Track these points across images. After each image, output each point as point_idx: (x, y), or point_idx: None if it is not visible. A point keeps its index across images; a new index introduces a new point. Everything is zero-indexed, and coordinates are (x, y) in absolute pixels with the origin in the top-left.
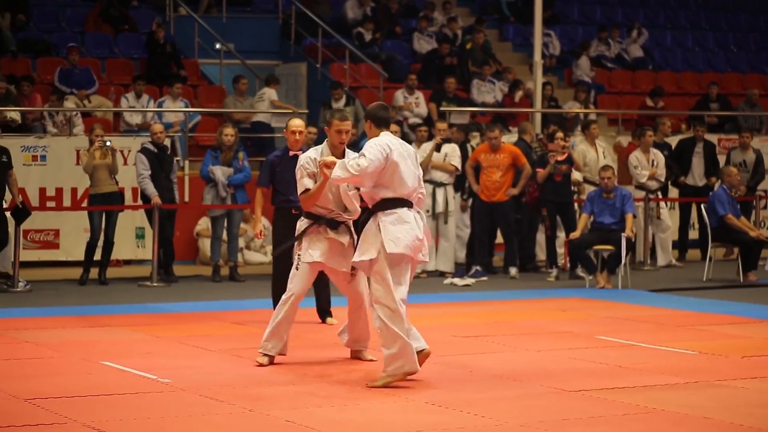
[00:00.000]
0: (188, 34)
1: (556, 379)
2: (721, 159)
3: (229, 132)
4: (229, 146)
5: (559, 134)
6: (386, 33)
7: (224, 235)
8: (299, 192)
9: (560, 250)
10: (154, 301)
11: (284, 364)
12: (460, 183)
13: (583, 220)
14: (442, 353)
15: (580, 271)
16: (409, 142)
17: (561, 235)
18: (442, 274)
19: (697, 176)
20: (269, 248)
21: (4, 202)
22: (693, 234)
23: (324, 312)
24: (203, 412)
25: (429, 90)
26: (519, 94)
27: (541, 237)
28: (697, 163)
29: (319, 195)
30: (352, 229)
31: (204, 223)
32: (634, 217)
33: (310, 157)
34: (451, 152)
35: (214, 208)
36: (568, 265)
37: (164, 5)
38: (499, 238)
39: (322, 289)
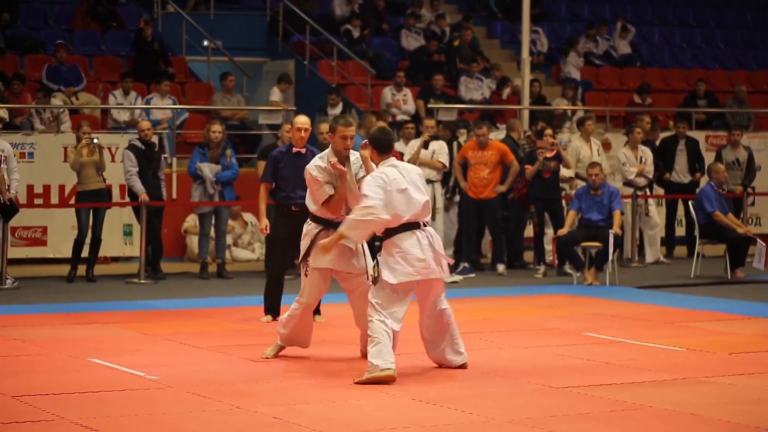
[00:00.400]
0: (176, 31)
1: (544, 376)
2: (711, 156)
3: (216, 129)
4: (217, 143)
5: (548, 131)
6: (374, 30)
7: (212, 232)
8: (320, 201)
9: (548, 246)
10: (141, 298)
11: (272, 361)
12: (444, 181)
13: (570, 217)
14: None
15: (567, 268)
16: (397, 139)
17: (549, 231)
18: None
19: (681, 173)
20: (257, 245)
21: None
22: (680, 231)
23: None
24: (191, 408)
25: (417, 87)
26: (507, 92)
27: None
28: (681, 160)
29: (344, 196)
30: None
31: (192, 220)
32: (622, 213)
33: (320, 167)
34: (439, 149)
35: (202, 205)
36: (556, 261)
37: (152, 2)
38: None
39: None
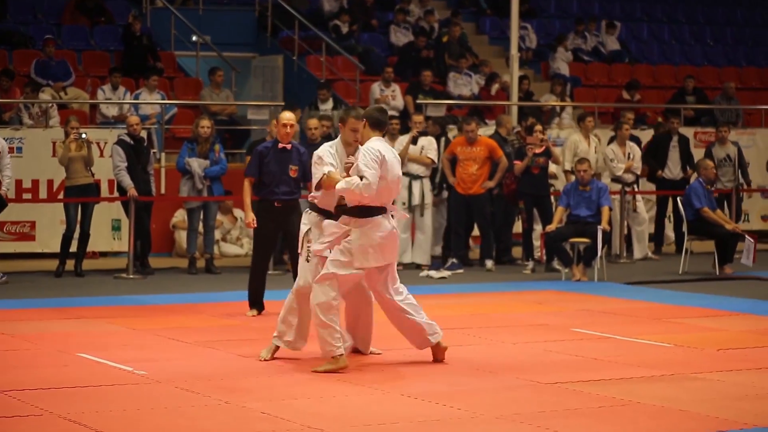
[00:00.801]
0: (164, 26)
1: (532, 372)
2: (699, 152)
3: (205, 124)
4: (206, 138)
5: (538, 127)
6: (363, 25)
7: (200, 227)
8: (317, 179)
9: (536, 242)
10: (130, 293)
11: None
12: (432, 177)
13: (559, 213)
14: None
15: (556, 264)
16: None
17: (537, 227)
18: (419, 267)
19: (674, 170)
20: (246, 240)
21: None
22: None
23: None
24: (179, 404)
25: (405, 83)
26: (495, 87)
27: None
28: (674, 157)
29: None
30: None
31: (180, 215)
32: (611, 209)
33: (330, 151)
34: (428, 145)
35: (191, 200)
36: (544, 257)
37: None
38: (475, 231)
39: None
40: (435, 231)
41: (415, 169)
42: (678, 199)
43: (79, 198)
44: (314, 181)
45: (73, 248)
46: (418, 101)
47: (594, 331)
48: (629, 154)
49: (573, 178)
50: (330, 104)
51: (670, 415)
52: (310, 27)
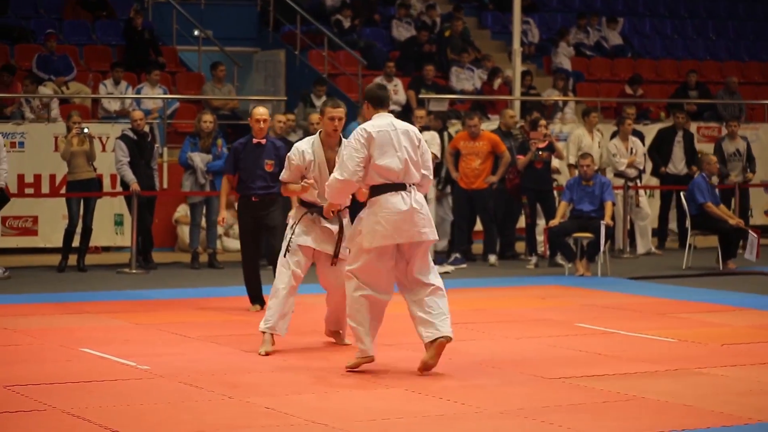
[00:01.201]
0: (166, 20)
1: (536, 367)
2: (703, 147)
3: (207, 119)
4: (208, 133)
5: (543, 122)
6: (365, 20)
7: (203, 222)
8: (280, 177)
9: (540, 237)
10: (132, 288)
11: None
12: (436, 172)
13: (562, 208)
14: (421, 340)
15: (559, 259)
16: None
17: (541, 222)
18: None
19: (678, 165)
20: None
21: None
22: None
23: (256, 299)
24: (182, 399)
25: (408, 77)
26: (498, 82)
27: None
28: (678, 152)
29: (292, 196)
30: (343, 216)
31: (183, 210)
32: (614, 204)
33: (299, 149)
34: (431, 140)
35: (193, 195)
36: (548, 252)
37: None
38: (478, 226)
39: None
40: (438, 225)
41: None
42: (681, 194)
43: (82, 193)
44: (282, 175)
45: (76, 243)
46: (420, 96)
47: (597, 326)
48: (632, 149)
49: (577, 172)
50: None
51: (674, 410)
52: (312, 21)
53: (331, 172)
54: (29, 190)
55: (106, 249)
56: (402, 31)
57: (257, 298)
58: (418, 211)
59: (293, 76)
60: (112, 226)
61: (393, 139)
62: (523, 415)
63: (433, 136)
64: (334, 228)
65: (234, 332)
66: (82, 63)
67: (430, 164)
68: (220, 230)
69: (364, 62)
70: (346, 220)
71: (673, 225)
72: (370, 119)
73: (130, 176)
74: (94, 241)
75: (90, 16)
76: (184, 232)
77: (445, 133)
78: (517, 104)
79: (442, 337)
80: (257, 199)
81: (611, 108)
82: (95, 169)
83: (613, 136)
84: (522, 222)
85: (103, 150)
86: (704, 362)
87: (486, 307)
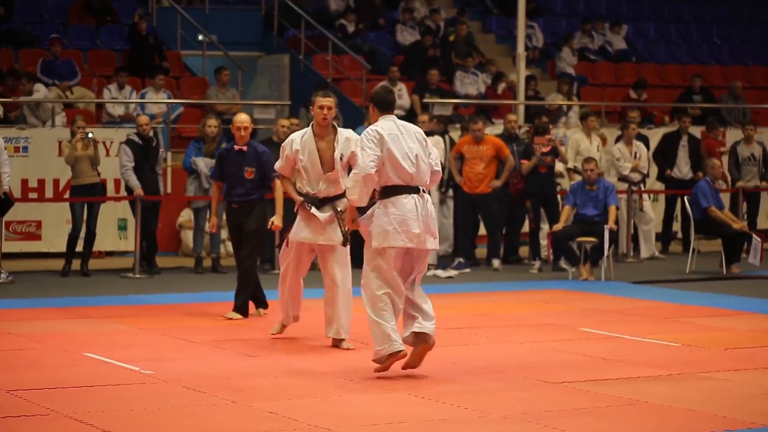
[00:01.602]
0: (171, 25)
1: (540, 371)
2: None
3: (212, 123)
4: (213, 137)
5: (550, 127)
6: (369, 25)
7: (207, 227)
8: (275, 166)
9: (543, 242)
10: (136, 292)
11: (267, 356)
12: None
13: (565, 212)
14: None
15: (563, 263)
16: None
17: (545, 227)
18: None
19: (683, 169)
20: None
21: None
22: (675, 226)
23: (259, 302)
24: (186, 403)
25: (412, 82)
26: (502, 86)
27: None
28: (683, 156)
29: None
30: (338, 204)
31: (186, 215)
32: (617, 209)
33: (290, 139)
34: (435, 145)
35: (197, 200)
36: (551, 257)
37: None
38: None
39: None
40: (438, 228)
41: None
42: (685, 198)
43: (85, 197)
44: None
45: (79, 248)
46: (424, 100)
47: (601, 330)
48: (636, 153)
49: (576, 176)
50: None
51: (677, 414)
52: (317, 26)
53: (322, 162)
54: (33, 195)
55: (110, 254)
56: (406, 36)
57: (259, 302)
58: (428, 218)
59: (297, 80)
60: (115, 230)
61: (402, 141)
62: (527, 419)
63: (437, 140)
64: (324, 215)
65: (237, 337)
66: (87, 68)
67: (438, 160)
68: (223, 234)
69: (368, 67)
70: (342, 205)
71: (678, 229)
72: (375, 122)
73: (134, 181)
74: (98, 245)
75: (94, 21)
76: (188, 236)
77: (446, 137)
78: (521, 108)
79: (425, 332)
80: (236, 206)
81: (616, 112)
82: (99, 174)
83: (617, 140)
84: (526, 227)
85: (107, 155)
86: (707, 366)
87: (489, 312)
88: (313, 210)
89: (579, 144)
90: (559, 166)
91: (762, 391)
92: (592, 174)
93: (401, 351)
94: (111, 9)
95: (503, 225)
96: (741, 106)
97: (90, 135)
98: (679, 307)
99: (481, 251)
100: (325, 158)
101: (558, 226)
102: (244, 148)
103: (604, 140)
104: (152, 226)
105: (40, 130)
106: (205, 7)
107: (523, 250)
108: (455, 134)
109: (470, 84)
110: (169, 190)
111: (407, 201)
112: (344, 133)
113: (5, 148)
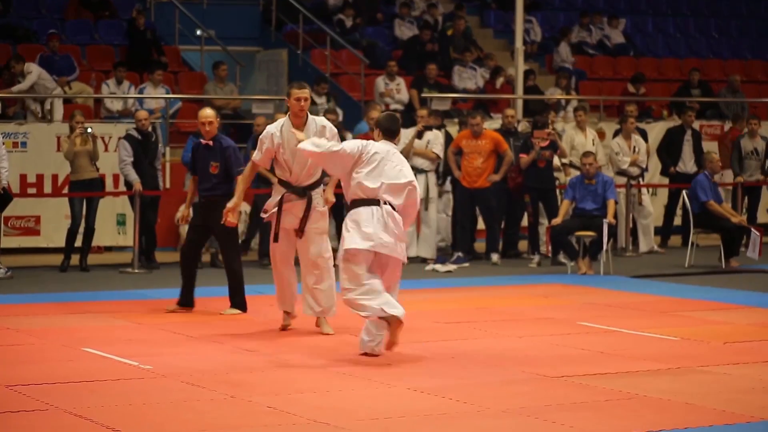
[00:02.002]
0: (169, 20)
1: (538, 365)
2: (708, 146)
3: None
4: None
5: (552, 119)
6: (367, 19)
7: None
8: (252, 157)
9: (542, 236)
10: (135, 287)
11: (266, 350)
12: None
13: (564, 206)
14: (424, 339)
15: (562, 258)
16: None
17: (544, 221)
18: (424, 261)
19: (688, 164)
20: None
21: None
22: (675, 220)
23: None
24: (185, 398)
25: (410, 76)
26: (500, 81)
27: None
28: (688, 151)
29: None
30: (313, 194)
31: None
32: (616, 203)
33: (269, 132)
34: (434, 139)
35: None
36: (550, 251)
37: None
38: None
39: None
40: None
41: (420, 163)
42: (684, 192)
43: (84, 192)
44: (254, 155)
45: (78, 243)
46: (422, 95)
47: (600, 324)
48: (635, 147)
49: (572, 171)
50: (324, 98)
51: (676, 408)
52: (315, 21)
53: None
54: (32, 190)
55: (109, 249)
56: (404, 30)
57: (187, 301)
58: (390, 228)
59: (296, 75)
60: (114, 225)
61: (385, 164)
62: (526, 413)
63: (436, 135)
64: (300, 203)
65: (236, 332)
66: (85, 63)
67: (417, 199)
68: None
69: (366, 61)
70: (317, 198)
71: (680, 223)
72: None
73: (133, 176)
74: (97, 240)
75: (92, 16)
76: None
77: (443, 131)
78: (520, 103)
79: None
80: (203, 200)
81: (614, 107)
82: (98, 169)
83: (616, 134)
84: (525, 221)
85: (106, 150)
86: (706, 360)
87: (488, 306)
88: (297, 200)
89: (573, 139)
90: (557, 160)
91: (761, 384)
92: (591, 168)
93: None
94: (109, 4)
95: (502, 219)
96: (739, 100)
97: (89, 130)
98: (678, 301)
99: (479, 245)
100: None
101: (557, 221)
102: (211, 142)
103: (601, 134)
104: (151, 221)
105: (38, 125)
106: (202, 2)
107: (522, 245)
108: (453, 129)
109: (468, 78)
110: (167, 185)
111: (370, 211)
112: (318, 121)
113: (3, 144)
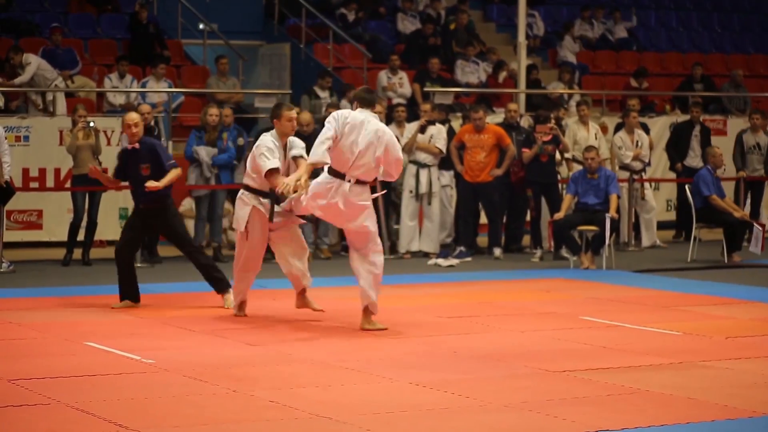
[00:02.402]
0: (171, 14)
1: (541, 360)
2: (720, 141)
3: (213, 112)
4: (214, 126)
5: (554, 115)
6: (370, 13)
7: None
8: (269, 168)
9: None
10: (138, 281)
11: (268, 345)
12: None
13: (567, 201)
14: (426, 334)
15: (564, 252)
16: (389, 122)
17: (546, 215)
18: (427, 255)
19: (696, 158)
20: None
21: None
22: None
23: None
24: (187, 392)
25: (413, 71)
26: (503, 75)
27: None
28: (696, 146)
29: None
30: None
31: (188, 204)
32: (619, 197)
33: (275, 143)
34: (437, 134)
35: (198, 189)
36: (552, 245)
37: None
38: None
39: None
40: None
41: (423, 157)
42: (687, 187)
43: (87, 187)
44: (262, 167)
45: (81, 237)
46: (425, 89)
47: (602, 319)
48: (637, 141)
49: (574, 165)
50: (327, 92)
51: (678, 403)
52: (317, 15)
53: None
54: (34, 184)
55: (111, 243)
56: (407, 24)
57: (131, 296)
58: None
59: (298, 69)
60: (117, 219)
61: (363, 134)
62: (528, 408)
63: (440, 129)
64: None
65: (238, 326)
66: (87, 57)
67: (399, 153)
68: (225, 224)
69: (369, 55)
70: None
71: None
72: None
73: None
74: (99, 234)
75: (95, 9)
76: (189, 225)
77: (447, 125)
78: (522, 97)
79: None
80: (144, 206)
81: (616, 101)
82: (100, 163)
83: (618, 128)
84: (527, 215)
85: (108, 144)
86: (709, 355)
87: (490, 300)
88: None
89: (575, 133)
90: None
91: (763, 380)
92: (593, 162)
93: None
94: None
95: (504, 214)
96: (742, 94)
97: (91, 124)
98: (681, 295)
99: (482, 240)
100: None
101: (559, 215)
102: (137, 145)
103: (604, 129)
104: None
105: (41, 119)
106: None
107: (525, 239)
108: (456, 123)
109: (471, 73)
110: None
111: (329, 184)
112: (294, 141)
113: (6, 138)
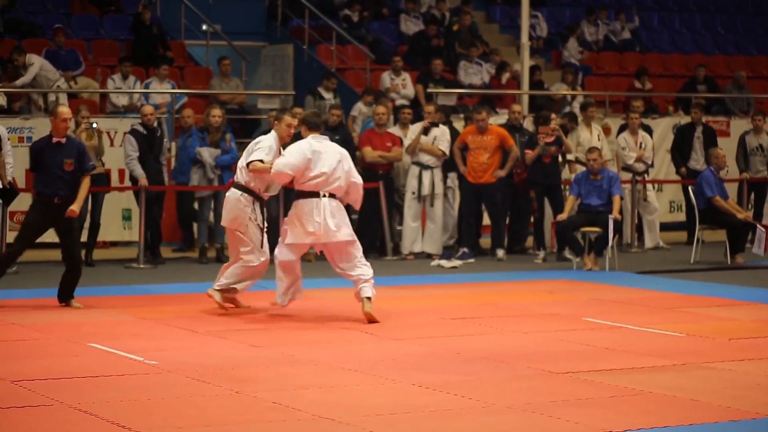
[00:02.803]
0: (174, 15)
1: (543, 361)
2: (723, 142)
3: (216, 113)
4: (217, 127)
5: (554, 116)
6: (373, 14)
7: (211, 217)
8: (257, 158)
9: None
10: (140, 282)
11: (270, 346)
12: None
13: (570, 202)
14: (428, 335)
15: (567, 253)
16: (395, 122)
17: (549, 217)
18: (429, 256)
19: (699, 160)
20: None
21: None
22: (681, 216)
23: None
24: (190, 393)
25: (416, 72)
26: (506, 76)
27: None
28: (699, 148)
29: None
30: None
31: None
32: (622, 198)
33: (275, 144)
34: (441, 136)
35: (201, 190)
36: (555, 247)
37: None
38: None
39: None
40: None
41: (426, 159)
42: (690, 188)
43: (90, 188)
44: (259, 155)
45: (84, 238)
46: (428, 90)
47: (605, 320)
48: (641, 143)
49: (577, 167)
50: (332, 94)
51: (681, 404)
52: (321, 16)
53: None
54: None
55: (114, 244)
56: (410, 26)
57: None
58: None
59: (301, 70)
60: (120, 220)
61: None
62: (531, 409)
63: (443, 131)
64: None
65: (241, 327)
66: (91, 58)
67: (357, 176)
68: None
69: (372, 56)
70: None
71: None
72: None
73: (139, 171)
74: (102, 236)
75: (98, 10)
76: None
77: (447, 126)
78: (526, 99)
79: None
80: (60, 201)
81: (620, 102)
82: (103, 164)
83: (622, 130)
84: (530, 217)
85: (111, 145)
86: (712, 357)
87: (494, 302)
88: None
89: (578, 135)
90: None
91: (766, 381)
92: (596, 164)
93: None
94: None
95: (507, 215)
96: (745, 96)
97: (94, 125)
98: (684, 297)
99: (485, 241)
100: None
101: (562, 216)
102: (63, 140)
103: (607, 130)
104: (156, 216)
105: (44, 120)
106: None
107: (528, 240)
108: (459, 124)
109: (474, 74)
110: (173, 180)
111: (311, 203)
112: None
113: (9, 139)
